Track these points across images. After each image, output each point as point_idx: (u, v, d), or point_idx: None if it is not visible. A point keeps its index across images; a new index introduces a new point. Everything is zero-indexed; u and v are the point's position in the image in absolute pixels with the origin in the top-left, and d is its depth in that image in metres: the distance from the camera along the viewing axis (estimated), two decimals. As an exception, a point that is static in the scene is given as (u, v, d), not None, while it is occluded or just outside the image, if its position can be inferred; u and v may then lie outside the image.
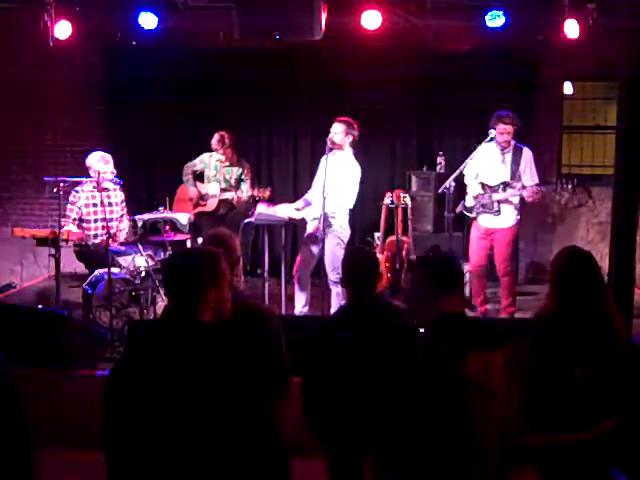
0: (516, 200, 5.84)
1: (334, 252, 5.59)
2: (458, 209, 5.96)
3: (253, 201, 6.32)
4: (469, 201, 5.97)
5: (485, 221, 5.94)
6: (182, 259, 2.58)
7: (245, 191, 6.45)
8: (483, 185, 5.89)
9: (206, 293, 2.40)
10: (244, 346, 2.45)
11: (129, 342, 2.48)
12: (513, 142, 5.82)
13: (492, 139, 5.77)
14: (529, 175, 5.79)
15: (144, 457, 2.26)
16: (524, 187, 5.74)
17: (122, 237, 6.00)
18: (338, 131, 5.72)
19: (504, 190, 5.80)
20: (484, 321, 2.67)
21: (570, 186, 5.67)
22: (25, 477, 2.41)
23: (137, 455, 2.27)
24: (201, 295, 2.39)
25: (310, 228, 5.87)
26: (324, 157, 5.76)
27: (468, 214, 6.01)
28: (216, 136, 6.57)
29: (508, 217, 5.89)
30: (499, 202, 5.82)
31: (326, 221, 5.55)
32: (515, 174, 5.78)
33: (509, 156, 5.81)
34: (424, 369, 2.58)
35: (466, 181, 5.89)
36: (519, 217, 5.98)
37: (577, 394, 2.93)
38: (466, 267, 6.52)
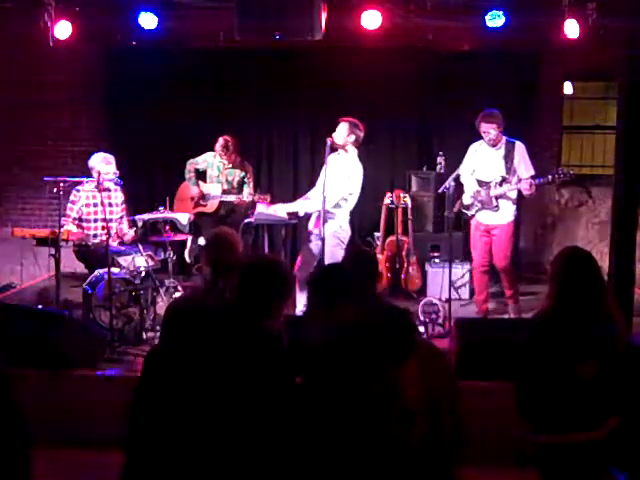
0: (514, 195, 5.86)
1: (333, 252, 5.58)
2: (456, 208, 5.97)
3: (253, 205, 6.32)
4: (466, 199, 5.98)
5: (484, 218, 5.95)
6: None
7: (247, 195, 6.43)
8: (480, 182, 5.91)
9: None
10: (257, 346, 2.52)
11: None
12: (505, 138, 5.84)
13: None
14: (524, 168, 5.81)
15: (167, 447, 2.35)
16: (520, 180, 5.75)
17: (128, 237, 6.00)
18: (340, 131, 5.69)
19: (501, 185, 5.82)
20: (387, 330, 2.44)
21: (567, 176, 5.67)
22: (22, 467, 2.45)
23: (160, 443, 2.36)
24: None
25: (311, 225, 5.87)
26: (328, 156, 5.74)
27: (466, 212, 6.02)
28: (220, 141, 6.53)
29: (507, 213, 5.89)
30: (497, 198, 5.84)
31: (325, 221, 5.54)
32: (510, 169, 5.81)
33: (502, 151, 5.83)
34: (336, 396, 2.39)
35: (462, 180, 5.90)
36: (517, 212, 6.02)
37: (577, 394, 2.93)
38: (467, 266, 6.57)
